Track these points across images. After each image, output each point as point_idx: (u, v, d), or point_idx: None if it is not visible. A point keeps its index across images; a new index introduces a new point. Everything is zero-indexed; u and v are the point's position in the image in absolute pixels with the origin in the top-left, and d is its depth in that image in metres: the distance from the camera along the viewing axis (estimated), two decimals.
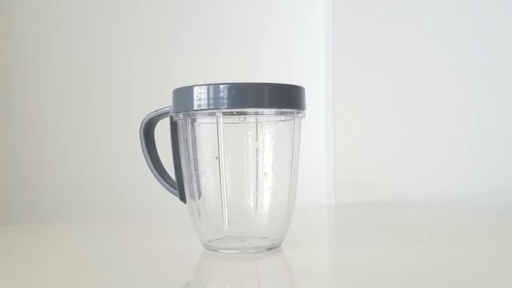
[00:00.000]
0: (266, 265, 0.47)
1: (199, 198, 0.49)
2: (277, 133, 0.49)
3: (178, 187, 0.51)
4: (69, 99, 0.95)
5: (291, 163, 0.49)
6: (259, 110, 0.46)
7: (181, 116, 0.48)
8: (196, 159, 0.48)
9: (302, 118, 0.49)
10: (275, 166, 0.48)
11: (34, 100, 0.95)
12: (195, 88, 0.46)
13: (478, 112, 0.80)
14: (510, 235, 0.60)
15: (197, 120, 0.48)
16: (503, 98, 0.79)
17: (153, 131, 0.53)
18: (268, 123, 0.48)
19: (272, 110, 0.46)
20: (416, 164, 0.82)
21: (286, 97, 0.47)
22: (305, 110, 0.49)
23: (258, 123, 0.48)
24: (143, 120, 0.52)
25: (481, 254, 0.49)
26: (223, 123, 0.45)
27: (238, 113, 0.46)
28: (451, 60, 0.82)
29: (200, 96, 0.46)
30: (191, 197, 0.49)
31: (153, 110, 0.52)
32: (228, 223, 0.47)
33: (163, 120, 0.51)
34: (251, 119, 0.47)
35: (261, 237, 0.49)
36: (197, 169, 0.48)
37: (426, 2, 0.83)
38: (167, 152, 0.52)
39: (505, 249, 0.51)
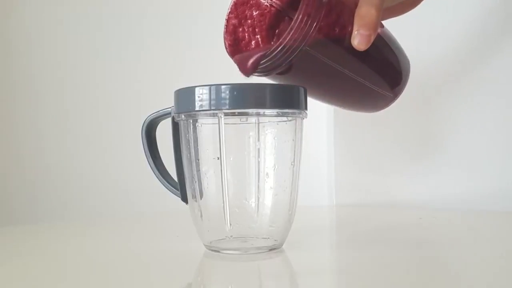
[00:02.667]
0: (268, 265, 0.47)
1: (200, 199, 0.49)
2: (278, 133, 0.49)
3: (180, 188, 0.51)
4: (71, 99, 0.95)
5: (292, 163, 0.49)
6: (261, 110, 0.46)
7: (182, 116, 0.48)
8: (198, 160, 0.48)
9: (303, 118, 0.49)
10: (276, 166, 0.49)
11: (35, 101, 0.95)
12: (196, 89, 0.46)
13: (478, 112, 0.80)
14: (510, 235, 0.60)
15: (199, 120, 0.48)
16: (503, 98, 0.78)
17: (155, 131, 0.53)
18: (269, 123, 0.48)
19: (273, 111, 0.46)
20: (417, 164, 0.82)
21: (288, 98, 0.47)
22: (306, 110, 0.49)
23: (260, 124, 0.48)
24: (145, 121, 0.52)
25: (482, 254, 0.49)
26: (224, 123, 0.45)
27: (240, 114, 0.46)
28: (451, 59, 0.81)
29: (201, 96, 0.46)
30: (192, 197, 0.49)
31: (155, 111, 0.52)
32: (230, 224, 0.47)
33: (165, 120, 0.52)
34: (252, 119, 0.47)
35: (262, 238, 0.49)
36: (199, 170, 0.48)
37: None
38: (169, 153, 0.52)
39: (506, 250, 0.51)
